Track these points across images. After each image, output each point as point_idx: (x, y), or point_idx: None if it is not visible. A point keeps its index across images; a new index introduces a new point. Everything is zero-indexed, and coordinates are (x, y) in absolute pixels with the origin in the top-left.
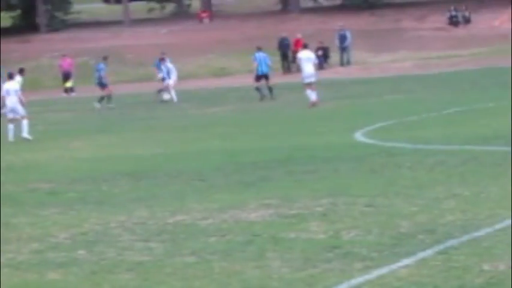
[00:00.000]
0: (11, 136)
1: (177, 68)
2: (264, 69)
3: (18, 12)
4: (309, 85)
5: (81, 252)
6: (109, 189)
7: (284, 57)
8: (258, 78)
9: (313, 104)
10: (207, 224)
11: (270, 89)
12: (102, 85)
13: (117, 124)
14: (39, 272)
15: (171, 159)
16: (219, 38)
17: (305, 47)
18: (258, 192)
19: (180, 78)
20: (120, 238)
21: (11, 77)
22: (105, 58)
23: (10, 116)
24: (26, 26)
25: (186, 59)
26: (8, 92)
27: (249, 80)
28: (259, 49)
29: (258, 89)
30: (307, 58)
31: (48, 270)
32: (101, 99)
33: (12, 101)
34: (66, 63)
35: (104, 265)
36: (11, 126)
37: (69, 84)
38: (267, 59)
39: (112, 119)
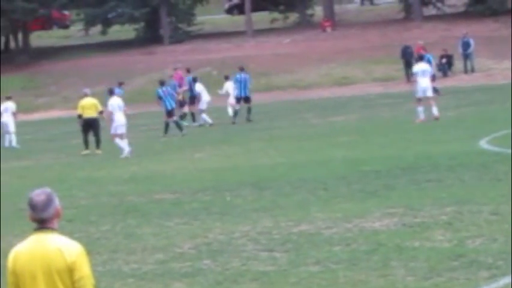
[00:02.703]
0: (126, 152)
1: (300, 78)
2: (244, 92)
3: (141, 24)
4: (421, 100)
5: (205, 262)
6: (233, 199)
7: (407, 65)
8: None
9: (421, 121)
10: (331, 233)
11: (249, 110)
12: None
13: (240, 134)
14: (164, 282)
15: (294, 169)
16: (341, 47)
17: (421, 58)
18: (381, 201)
19: (303, 87)
20: (245, 248)
21: (111, 92)
22: (120, 84)
23: (120, 131)
24: (150, 38)
25: (309, 68)
26: (120, 108)
27: (372, 89)
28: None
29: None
30: (422, 71)
31: (173, 281)
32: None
33: (122, 117)
34: (178, 76)
35: (228, 275)
36: (119, 141)
37: (180, 97)
38: (248, 81)
39: (234, 129)
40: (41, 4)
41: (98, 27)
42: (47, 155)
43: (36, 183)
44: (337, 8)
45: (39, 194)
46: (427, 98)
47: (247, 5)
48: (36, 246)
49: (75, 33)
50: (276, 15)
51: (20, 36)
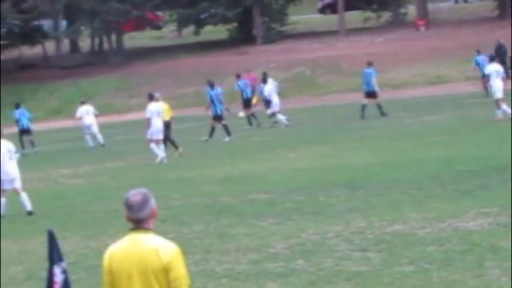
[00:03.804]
0: (160, 158)
1: (393, 77)
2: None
3: (234, 24)
4: (502, 100)
5: (299, 262)
6: (326, 199)
7: (501, 64)
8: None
9: (499, 120)
10: (425, 233)
11: (379, 106)
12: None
13: (333, 134)
14: (257, 283)
15: (388, 169)
16: (434, 45)
17: (492, 59)
18: (475, 200)
19: (396, 86)
20: (338, 248)
21: (151, 97)
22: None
23: (155, 137)
24: (243, 38)
25: (402, 67)
26: (158, 113)
27: (466, 88)
28: (480, 53)
29: (379, 106)
30: (496, 72)
31: (266, 281)
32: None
33: (160, 122)
34: (251, 78)
35: (322, 275)
36: (153, 146)
37: (254, 100)
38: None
39: (327, 129)
40: (134, 5)
41: (191, 28)
42: (139, 155)
43: (129, 183)
44: (430, 6)
45: (135, 194)
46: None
47: (340, 4)
48: (132, 246)
49: (168, 34)
50: (369, 14)
51: (113, 37)
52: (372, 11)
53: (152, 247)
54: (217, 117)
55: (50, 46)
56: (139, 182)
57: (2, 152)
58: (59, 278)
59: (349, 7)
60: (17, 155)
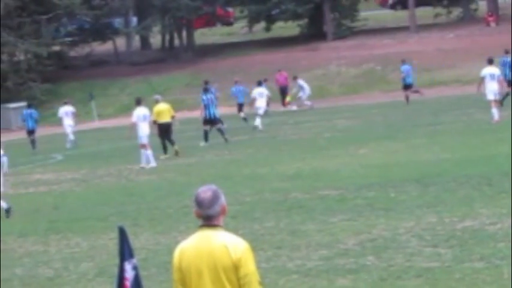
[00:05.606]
0: (144, 163)
1: (464, 73)
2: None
3: (305, 20)
4: (495, 102)
5: (369, 258)
6: (397, 195)
7: None
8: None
9: (497, 122)
10: (496, 229)
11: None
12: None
13: (404, 130)
14: (328, 279)
15: (459, 165)
16: (505, 41)
17: (490, 62)
18: None
19: (467, 82)
20: (409, 244)
21: (139, 102)
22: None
23: (143, 142)
24: (313, 34)
25: (472, 63)
26: (145, 118)
27: None
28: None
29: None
30: (491, 74)
31: (337, 277)
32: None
33: (147, 127)
34: (282, 77)
35: (392, 271)
36: (143, 151)
37: (288, 98)
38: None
39: (398, 125)
40: (205, 2)
41: (262, 24)
42: (210, 151)
43: (200, 180)
44: (500, 2)
45: (205, 191)
46: (495, 101)
47: (411, 0)
48: (202, 242)
49: (239, 30)
50: (439, 10)
51: (184, 33)
52: (442, 7)
53: (222, 244)
54: (208, 121)
55: (120, 43)
56: (210, 178)
57: None
58: (129, 274)
59: (419, 3)
60: (5, 158)
